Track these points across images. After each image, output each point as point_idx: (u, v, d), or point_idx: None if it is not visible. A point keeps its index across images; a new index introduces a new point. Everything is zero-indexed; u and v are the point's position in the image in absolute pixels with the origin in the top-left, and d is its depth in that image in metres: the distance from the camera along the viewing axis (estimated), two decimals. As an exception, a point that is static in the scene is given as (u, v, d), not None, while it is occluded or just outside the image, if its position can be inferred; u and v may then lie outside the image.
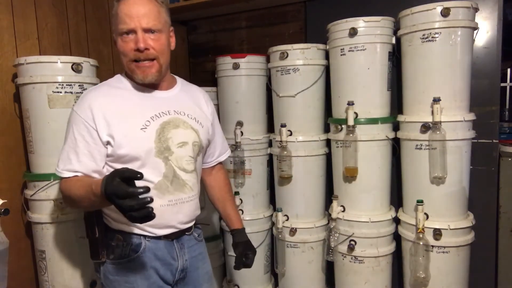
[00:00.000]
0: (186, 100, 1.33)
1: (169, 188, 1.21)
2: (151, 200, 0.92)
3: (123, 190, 0.92)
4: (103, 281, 1.26)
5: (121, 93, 1.23)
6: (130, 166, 1.12)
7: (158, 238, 1.23)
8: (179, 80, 1.39)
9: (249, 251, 1.42)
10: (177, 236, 1.27)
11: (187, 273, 1.31)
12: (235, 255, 1.43)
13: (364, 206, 1.86)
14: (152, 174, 1.18)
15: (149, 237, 1.22)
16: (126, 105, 1.21)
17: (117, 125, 1.16)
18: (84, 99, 1.20)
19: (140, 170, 0.99)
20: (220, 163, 1.53)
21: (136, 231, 1.21)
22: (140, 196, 0.91)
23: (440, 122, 1.62)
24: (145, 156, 1.18)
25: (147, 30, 1.17)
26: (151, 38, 1.18)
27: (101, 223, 1.25)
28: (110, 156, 1.18)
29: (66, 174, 1.17)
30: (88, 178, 1.16)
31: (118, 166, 1.15)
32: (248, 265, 1.42)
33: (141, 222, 0.95)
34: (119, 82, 1.27)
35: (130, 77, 1.25)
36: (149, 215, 0.93)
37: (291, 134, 2.00)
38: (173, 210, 1.23)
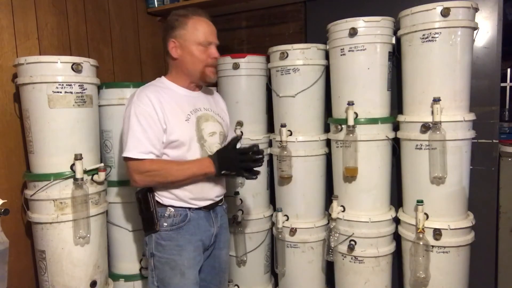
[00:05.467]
0: (209, 99, 1.63)
1: None
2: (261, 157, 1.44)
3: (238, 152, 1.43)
4: (153, 249, 1.48)
5: (166, 92, 1.50)
6: (177, 150, 1.45)
7: (199, 209, 1.51)
8: None
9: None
10: (213, 207, 1.56)
11: (216, 237, 1.58)
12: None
13: (364, 206, 1.86)
14: (194, 156, 1.48)
15: (192, 209, 1.50)
16: (172, 100, 1.48)
17: (169, 115, 1.44)
18: (141, 94, 1.45)
19: (186, 153, 1.45)
20: None
21: (183, 204, 1.48)
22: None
23: (440, 122, 1.62)
24: (189, 142, 1.47)
25: (215, 44, 1.54)
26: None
27: (154, 201, 1.49)
28: (163, 142, 1.44)
29: (142, 156, 1.40)
30: (173, 160, 1.45)
31: (169, 151, 1.45)
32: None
33: (253, 177, 1.45)
34: (161, 83, 1.55)
35: (170, 78, 1.55)
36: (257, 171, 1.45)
37: (291, 134, 2.00)
38: (210, 185, 1.52)
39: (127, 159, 1.42)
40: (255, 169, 1.45)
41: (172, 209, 1.48)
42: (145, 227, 1.50)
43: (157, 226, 1.47)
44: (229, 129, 1.72)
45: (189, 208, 1.49)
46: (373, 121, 1.80)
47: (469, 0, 1.63)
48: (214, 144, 1.53)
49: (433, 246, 1.68)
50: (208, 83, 1.56)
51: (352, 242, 1.84)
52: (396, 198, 1.98)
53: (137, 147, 1.40)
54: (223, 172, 1.45)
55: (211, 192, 1.53)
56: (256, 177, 1.46)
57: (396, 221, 1.89)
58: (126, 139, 1.42)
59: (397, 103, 1.92)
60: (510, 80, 2.85)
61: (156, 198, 1.49)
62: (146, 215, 1.49)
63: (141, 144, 1.40)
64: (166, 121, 1.43)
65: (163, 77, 1.57)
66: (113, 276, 1.96)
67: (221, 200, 1.61)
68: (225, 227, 1.65)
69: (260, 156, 1.44)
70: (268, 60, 2.10)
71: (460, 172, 1.68)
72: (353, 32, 1.75)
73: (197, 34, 1.49)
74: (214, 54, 1.51)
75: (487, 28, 1.85)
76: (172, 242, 1.46)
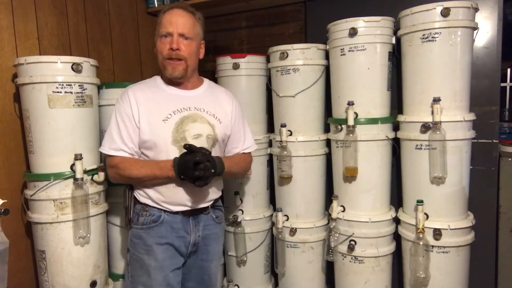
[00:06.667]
0: (209, 98, 1.56)
1: None
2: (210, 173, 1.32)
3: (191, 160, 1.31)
4: (129, 245, 1.52)
5: (153, 90, 1.50)
6: (150, 151, 1.44)
7: (176, 213, 1.47)
8: (206, 81, 1.63)
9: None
10: (193, 214, 1.50)
11: (198, 247, 1.53)
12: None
13: (364, 206, 1.86)
14: (167, 159, 1.42)
15: (168, 212, 1.46)
16: (154, 99, 1.47)
17: (144, 114, 1.43)
18: (124, 92, 1.49)
19: (159, 155, 1.42)
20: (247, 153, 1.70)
21: (157, 206, 1.46)
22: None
23: (440, 122, 1.62)
24: (162, 143, 1.43)
25: (181, 35, 1.44)
26: (183, 42, 1.45)
27: (132, 197, 1.51)
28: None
29: (113, 153, 1.44)
30: (143, 160, 1.46)
31: (145, 151, 1.45)
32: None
33: (200, 185, 1.33)
34: (153, 81, 1.55)
35: (162, 77, 1.53)
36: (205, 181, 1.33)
37: (291, 134, 2.00)
38: (185, 191, 1.45)
39: (104, 154, 1.48)
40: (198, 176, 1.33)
41: (146, 208, 1.48)
42: (125, 222, 1.56)
43: (130, 223, 1.50)
44: (238, 130, 1.62)
45: (164, 211, 1.47)
46: (373, 121, 1.80)
47: (469, 0, 1.63)
48: None
49: (433, 246, 1.68)
50: (173, 78, 1.48)
51: (352, 242, 1.84)
52: (396, 198, 1.98)
53: (109, 144, 1.45)
54: (182, 177, 1.37)
55: (186, 198, 1.46)
56: (204, 184, 1.34)
57: (396, 221, 1.89)
58: (105, 134, 1.49)
59: (397, 103, 1.92)
60: (510, 80, 2.84)
61: (135, 195, 1.51)
62: (125, 211, 1.54)
63: (113, 141, 1.44)
64: (140, 120, 1.43)
65: (158, 75, 1.57)
66: (113, 276, 1.96)
67: (205, 209, 1.53)
68: (214, 238, 1.57)
69: (209, 169, 1.32)
70: (268, 60, 2.10)
71: (460, 172, 1.68)
72: (353, 32, 1.75)
73: (159, 27, 1.47)
74: (171, 44, 1.43)
75: (487, 28, 1.85)
76: (141, 241, 1.47)
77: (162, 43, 1.45)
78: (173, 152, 1.43)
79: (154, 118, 1.44)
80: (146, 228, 1.46)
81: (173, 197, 1.45)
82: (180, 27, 1.43)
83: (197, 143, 1.42)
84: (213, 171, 1.35)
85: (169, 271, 1.46)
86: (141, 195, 1.49)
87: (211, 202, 1.55)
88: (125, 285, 1.58)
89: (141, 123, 1.43)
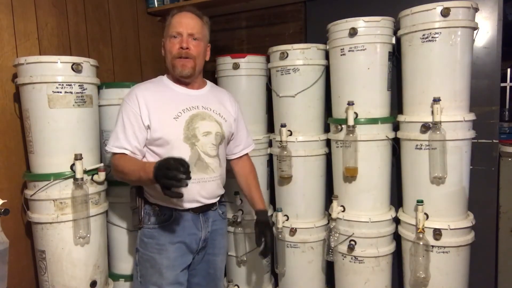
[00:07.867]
0: (213, 98, 1.60)
1: (193, 169, 1.42)
2: (185, 184, 1.20)
3: (168, 166, 1.21)
4: (138, 245, 1.53)
5: (161, 89, 1.52)
6: (162, 148, 1.44)
7: (186, 211, 1.49)
8: (209, 83, 1.67)
9: (267, 230, 1.58)
10: (202, 210, 1.52)
11: (207, 243, 1.56)
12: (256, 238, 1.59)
13: (364, 206, 1.86)
14: (180, 155, 1.36)
15: (178, 210, 1.48)
16: (163, 98, 1.49)
17: (155, 113, 1.44)
18: (132, 91, 1.50)
19: (169, 152, 1.40)
20: (247, 154, 1.76)
21: (168, 204, 1.48)
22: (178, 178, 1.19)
23: (440, 122, 1.62)
24: (174, 141, 1.44)
25: (191, 35, 1.48)
26: (193, 42, 1.48)
27: (142, 197, 1.52)
28: (147, 139, 1.46)
29: (116, 150, 1.45)
30: (139, 160, 1.46)
31: (154, 148, 1.46)
32: (267, 243, 1.56)
33: (171, 197, 1.26)
34: (160, 80, 1.57)
35: (169, 77, 1.56)
36: (178, 195, 1.24)
37: (291, 134, 2.00)
38: (197, 187, 1.47)
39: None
40: (176, 190, 1.23)
41: (157, 208, 1.48)
42: (133, 222, 1.56)
43: (141, 223, 1.50)
44: (239, 130, 1.68)
45: (175, 209, 1.48)
46: (373, 121, 1.80)
47: (469, 0, 1.63)
48: (207, 144, 1.49)
49: (433, 246, 1.68)
50: (182, 77, 1.50)
51: (352, 242, 1.84)
52: (396, 198, 1.98)
53: (113, 142, 1.46)
54: (158, 181, 1.25)
55: (198, 194, 1.48)
56: (179, 196, 1.25)
57: (396, 221, 1.89)
58: (111, 134, 1.50)
59: (397, 103, 1.92)
60: (510, 80, 2.84)
61: (144, 195, 1.52)
62: (133, 211, 1.54)
63: (117, 139, 1.45)
64: (150, 118, 1.44)
65: (164, 75, 1.59)
66: (113, 276, 1.96)
67: (213, 205, 1.56)
68: (220, 233, 1.62)
69: (184, 177, 1.19)
70: (268, 60, 2.10)
71: (460, 172, 1.68)
72: (353, 32, 1.75)
73: (169, 28, 1.51)
74: (180, 43, 1.46)
75: (487, 28, 1.85)
76: (153, 240, 1.48)
77: (172, 43, 1.48)
78: (185, 150, 1.45)
79: (165, 116, 1.45)
80: (159, 228, 1.48)
81: (186, 194, 1.41)
82: (190, 28, 1.47)
83: (207, 140, 1.48)
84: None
85: (179, 270, 1.49)
86: (151, 195, 1.50)
87: (218, 197, 1.59)
88: (133, 286, 1.56)
89: (152, 121, 1.43)
